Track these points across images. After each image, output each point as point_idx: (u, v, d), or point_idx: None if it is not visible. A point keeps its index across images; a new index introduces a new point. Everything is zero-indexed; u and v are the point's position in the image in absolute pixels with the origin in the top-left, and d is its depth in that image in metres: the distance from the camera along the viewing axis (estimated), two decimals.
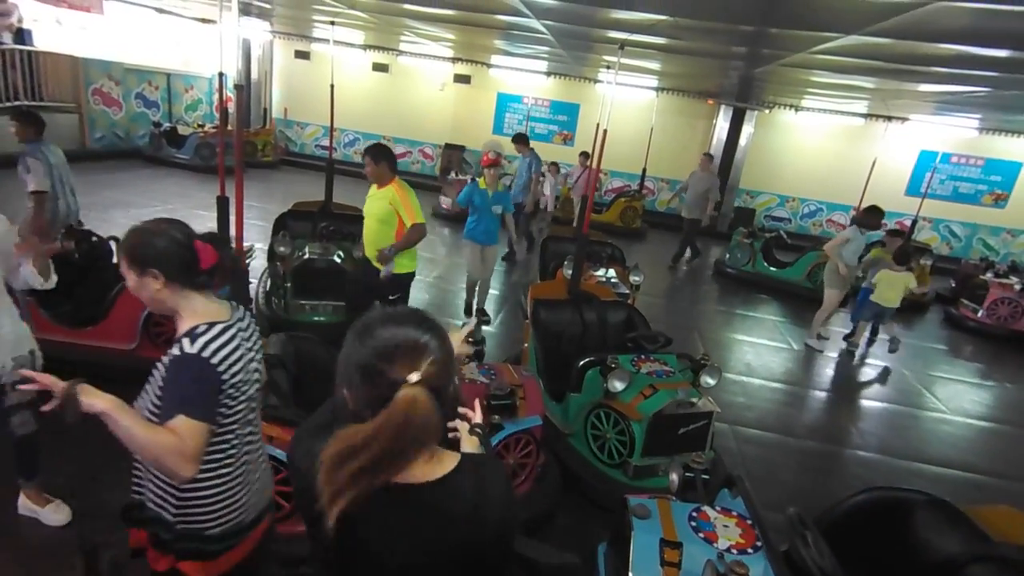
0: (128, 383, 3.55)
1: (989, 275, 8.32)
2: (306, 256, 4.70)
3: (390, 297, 3.88)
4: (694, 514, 2.01)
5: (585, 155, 9.77)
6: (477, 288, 5.68)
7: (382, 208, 3.83)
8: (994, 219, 12.74)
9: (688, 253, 9.60)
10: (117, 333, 3.67)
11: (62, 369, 2.61)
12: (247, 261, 4.00)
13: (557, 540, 2.93)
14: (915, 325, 8.13)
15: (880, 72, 6.10)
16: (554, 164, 9.35)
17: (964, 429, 5.08)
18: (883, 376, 6.07)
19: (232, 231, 3.52)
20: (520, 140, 8.00)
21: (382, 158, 3.84)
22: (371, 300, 3.90)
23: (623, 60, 5.03)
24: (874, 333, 6.75)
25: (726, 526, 1.96)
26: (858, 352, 6.54)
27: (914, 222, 10.49)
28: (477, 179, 5.41)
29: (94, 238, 4.09)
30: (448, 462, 1.05)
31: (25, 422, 2.44)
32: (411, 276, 4.11)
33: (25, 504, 2.60)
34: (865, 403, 5.40)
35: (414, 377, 0.94)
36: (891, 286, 5.88)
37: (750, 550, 1.86)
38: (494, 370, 3.16)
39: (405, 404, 0.91)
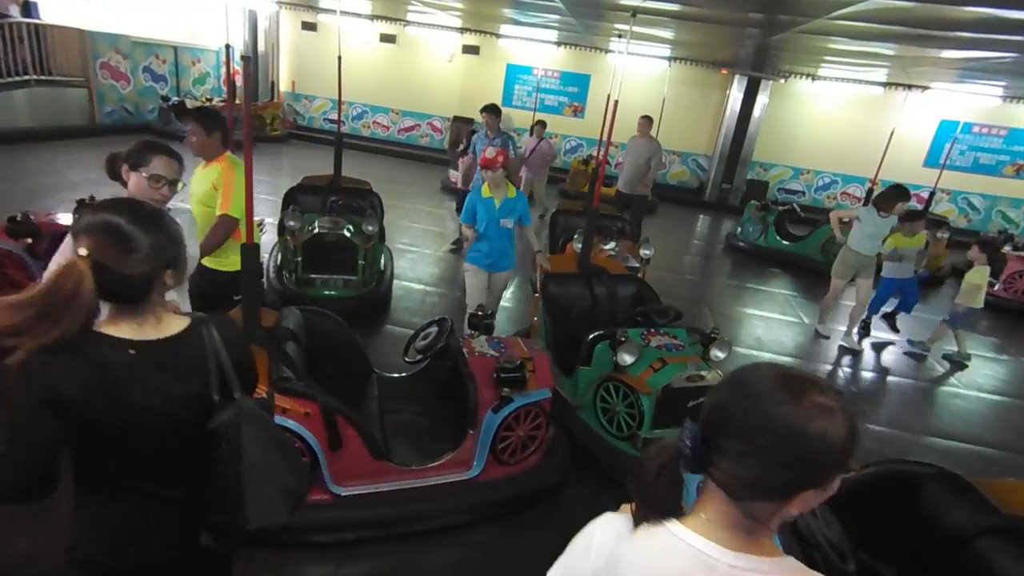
0: None
1: (1007, 248, 8.17)
2: (316, 231, 4.70)
3: (235, 298, 3.00)
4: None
5: (542, 124, 8.72)
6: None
7: (205, 189, 3.04)
8: (1015, 191, 12.45)
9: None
10: None
11: None
12: (262, 233, 4.02)
13: (566, 511, 2.98)
14: (930, 299, 8.03)
15: (901, 38, 5.90)
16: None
17: (976, 403, 5.05)
18: (895, 350, 6.03)
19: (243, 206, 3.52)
20: (491, 111, 6.23)
21: (216, 127, 3.05)
22: (208, 305, 3.04)
23: (635, 28, 4.91)
24: (866, 327, 6.08)
25: None
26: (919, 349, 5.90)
27: (932, 194, 10.27)
28: (479, 185, 4.12)
29: None
30: (176, 324, 1.24)
31: None
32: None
33: None
34: (877, 377, 5.37)
35: (82, 252, 1.10)
36: (975, 286, 5.43)
37: None
38: (504, 344, 3.17)
39: (59, 270, 1.07)
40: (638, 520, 0.89)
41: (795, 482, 0.82)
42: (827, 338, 5.97)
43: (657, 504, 0.91)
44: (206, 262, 3.07)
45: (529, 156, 8.34)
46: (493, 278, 4.17)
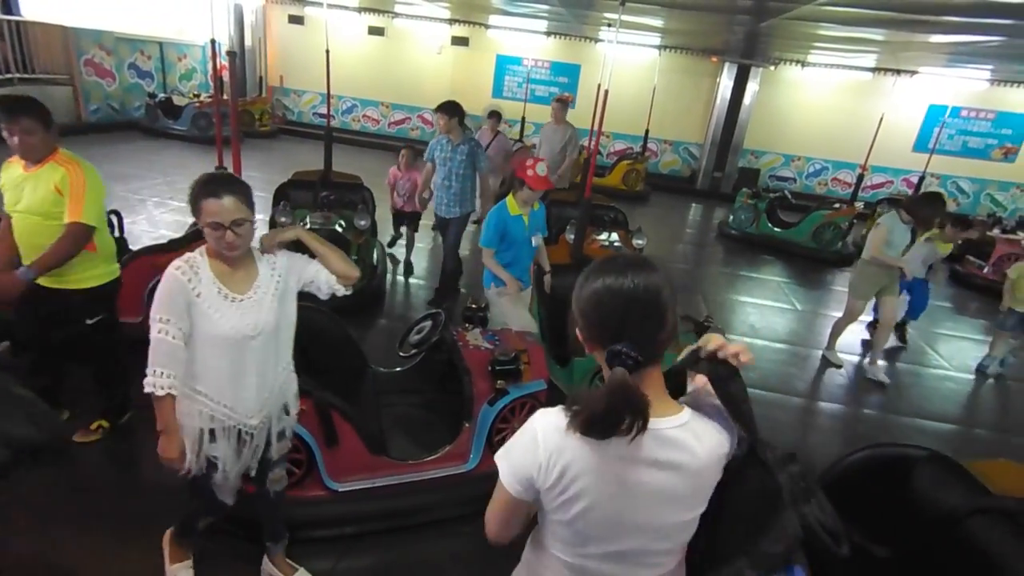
0: (133, 355, 3.60)
1: (996, 231, 8.23)
2: (307, 226, 4.68)
3: (87, 321, 2.75)
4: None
5: (496, 116, 7.11)
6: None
7: (43, 195, 2.52)
8: (1004, 174, 12.54)
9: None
10: (122, 306, 3.69)
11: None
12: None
13: None
14: None
15: (890, 23, 5.91)
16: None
17: (966, 385, 5.12)
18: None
19: None
20: (448, 111, 4.71)
21: (49, 120, 2.56)
22: (52, 332, 2.73)
23: (624, 17, 4.89)
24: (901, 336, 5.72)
25: None
26: (993, 367, 5.30)
27: (921, 178, 10.33)
28: (505, 201, 3.52)
29: None
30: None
31: (281, 477, 2.18)
32: (116, 285, 2.90)
33: (270, 572, 2.32)
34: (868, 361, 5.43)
35: None
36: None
37: None
38: (499, 336, 3.18)
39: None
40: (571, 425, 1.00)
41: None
42: (839, 367, 5.08)
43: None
44: (46, 281, 2.55)
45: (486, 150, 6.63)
46: (522, 296, 3.71)
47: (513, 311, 3.56)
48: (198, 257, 1.81)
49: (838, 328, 5.09)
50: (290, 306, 1.97)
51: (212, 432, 1.90)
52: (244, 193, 1.78)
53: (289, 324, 1.99)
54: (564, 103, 6.81)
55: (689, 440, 1.07)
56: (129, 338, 3.67)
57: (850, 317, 4.93)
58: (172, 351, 1.75)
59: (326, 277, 2.01)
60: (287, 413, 2.08)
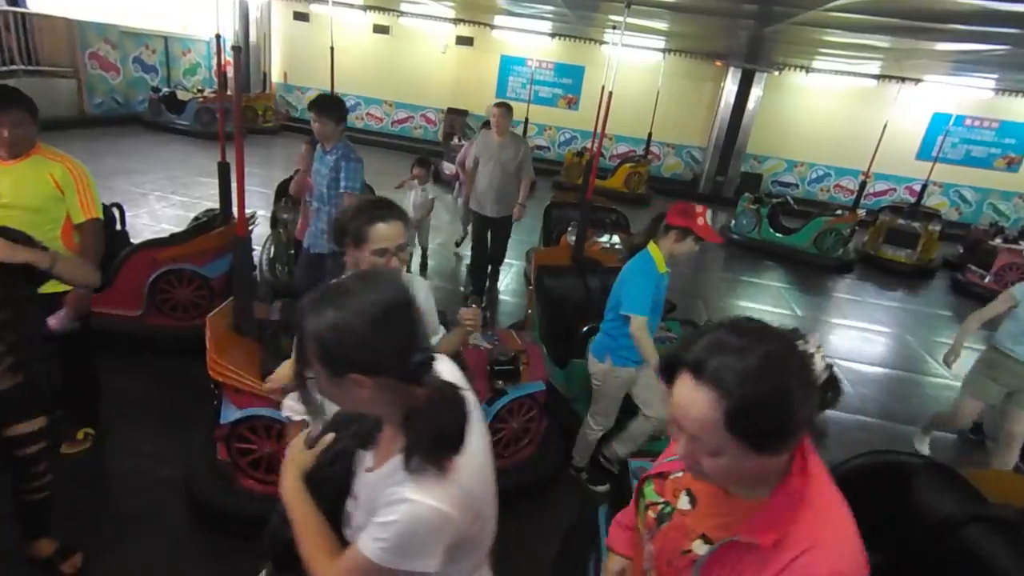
0: (134, 350, 3.59)
1: (998, 240, 8.23)
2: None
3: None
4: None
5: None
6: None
7: (37, 191, 2.39)
8: (1007, 183, 12.54)
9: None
10: (123, 300, 3.69)
11: (67, 336, 2.63)
12: (250, 228, 3.99)
13: (559, 502, 2.99)
14: (921, 291, 8.10)
15: (896, 30, 5.91)
16: (421, 162, 5.68)
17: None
18: (886, 342, 6.08)
19: (233, 197, 3.49)
20: (321, 109, 3.59)
21: (36, 112, 2.43)
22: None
23: (630, 19, 4.88)
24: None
25: None
26: None
27: (924, 187, 10.33)
28: (650, 253, 2.76)
29: None
30: None
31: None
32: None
33: None
34: (867, 369, 5.41)
35: None
36: None
37: None
38: (498, 336, 3.17)
39: None
40: None
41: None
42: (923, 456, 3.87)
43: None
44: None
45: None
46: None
47: (655, 391, 2.90)
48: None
49: (938, 423, 3.92)
50: None
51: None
52: (405, 218, 1.74)
53: None
54: (508, 109, 5.14)
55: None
56: (126, 332, 3.69)
57: (958, 419, 3.70)
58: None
59: None
60: None
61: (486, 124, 5.40)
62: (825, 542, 0.87)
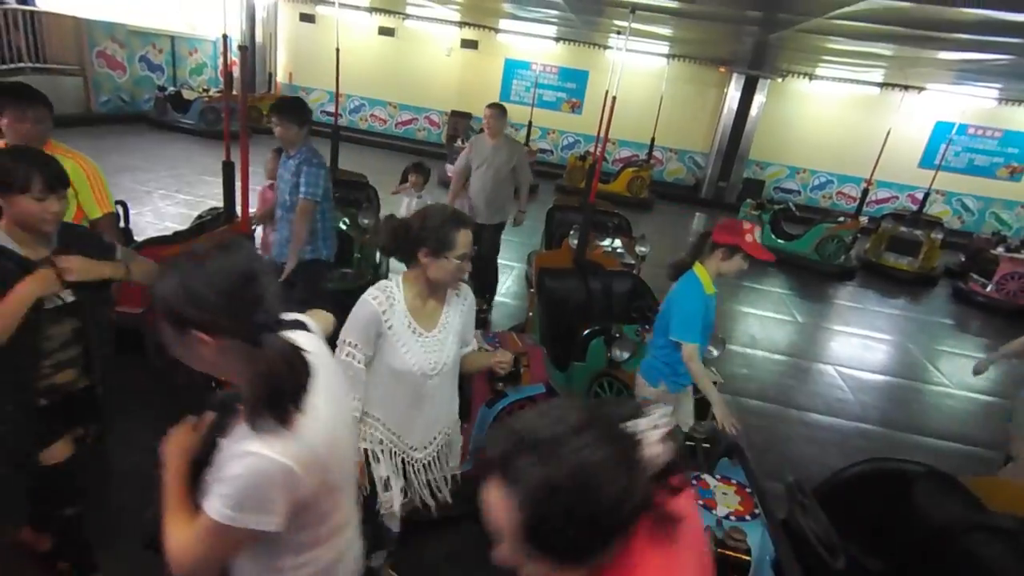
0: (136, 347, 3.60)
1: (1000, 249, 8.23)
2: None
3: None
4: (694, 481, 2.05)
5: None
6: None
7: None
8: (1009, 193, 12.53)
9: None
10: (125, 297, 3.70)
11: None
12: (253, 228, 4.00)
13: None
14: (922, 299, 8.09)
15: (900, 38, 5.92)
16: (417, 168, 5.08)
17: (967, 403, 5.10)
18: (887, 350, 6.07)
19: (238, 196, 3.51)
20: (283, 111, 3.41)
21: (52, 108, 2.46)
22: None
23: (634, 25, 4.90)
24: None
25: (725, 493, 2.00)
26: None
27: (926, 195, 10.33)
28: (695, 274, 2.62)
29: None
30: None
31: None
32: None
33: None
34: (868, 376, 5.41)
35: None
36: None
37: (748, 517, 1.89)
38: (499, 338, 3.18)
39: None
40: None
41: None
42: None
43: None
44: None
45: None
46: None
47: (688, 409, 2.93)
48: (395, 287, 1.78)
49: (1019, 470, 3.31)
50: (458, 348, 1.93)
51: (376, 454, 1.91)
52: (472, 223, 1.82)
53: (456, 363, 1.95)
54: (502, 111, 4.76)
55: None
56: (128, 329, 3.70)
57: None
58: (358, 375, 1.76)
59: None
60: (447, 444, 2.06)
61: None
62: None
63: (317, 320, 1.26)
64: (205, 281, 0.98)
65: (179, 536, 1.03)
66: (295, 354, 1.00)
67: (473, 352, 2.04)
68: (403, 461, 1.94)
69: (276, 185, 3.49)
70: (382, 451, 1.90)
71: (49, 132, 2.47)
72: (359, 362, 1.75)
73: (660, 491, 0.79)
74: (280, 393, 0.97)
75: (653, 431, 0.79)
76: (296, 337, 1.06)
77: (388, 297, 1.75)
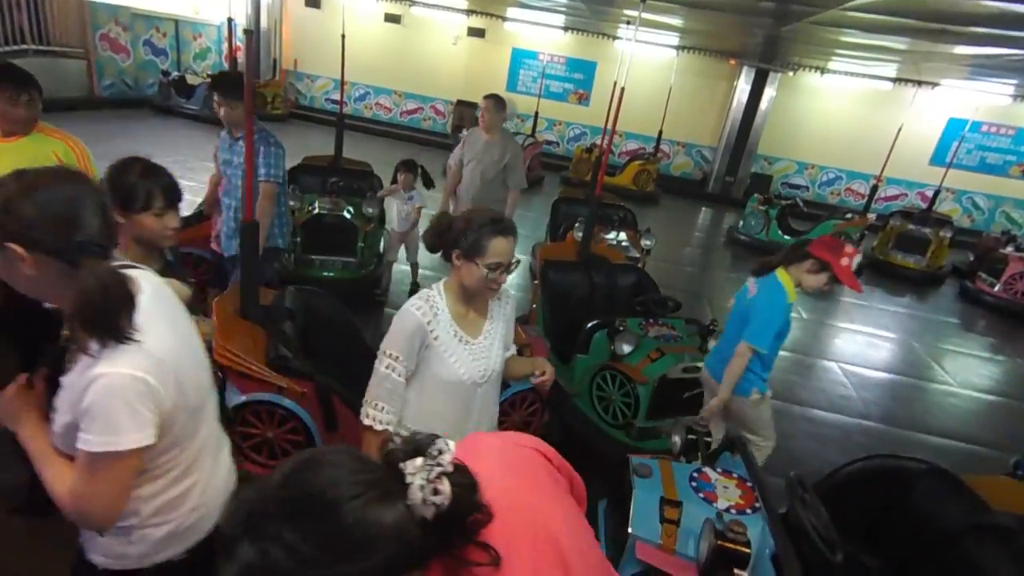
0: None
1: (1010, 249, 8.15)
2: (316, 211, 4.68)
3: None
4: (695, 475, 2.04)
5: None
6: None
7: (38, 165, 2.26)
8: (1021, 191, 12.42)
9: None
10: None
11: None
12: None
13: None
14: (929, 297, 8.04)
15: (914, 31, 5.83)
16: (406, 166, 4.74)
17: (970, 402, 5.07)
18: (892, 348, 6.04)
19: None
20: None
21: (41, 90, 2.45)
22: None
23: (644, 15, 4.83)
24: None
25: (726, 487, 1.99)
26: None
27: (936, 193, 10.23)
28: (779, 279, 2.63)
29: None
30: None
31: None
32: None
33: None
34: (871, 373, 5.38)
35: None
36: None
37: (749, 511, 1.89)
38: None
39: None
40: None
41: None
42: None
43: None
44: None
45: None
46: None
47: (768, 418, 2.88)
48: (437, 296, 1.71)
49: None
50: (503, 352, 1.86)
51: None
52: (516, 233, 1.71)
53: (501, 368, 1.87)
54: (500, 102, 4.33)
55: None
56: None
57: None
58: (396, 388, 1.69)
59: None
60: None
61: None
62: None
63: (171, 287, 1.28)
64: (28, 197, 0.98)
65: (66, 485, 1.04)
66: (115, 278, 1.01)
67: (512, 356, 1.95)
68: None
69: (223, 172, 3.18)
70: None
71: (37, 114, 2.45)
72: (399, 375, 1.67)
73: (454, 536, 0.73)
74: (107, 312, 0.98)
75: (424, 472, 0.70)
76: (126, 271, 1.08)
77: (431, 306, 1.68)
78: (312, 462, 0.69)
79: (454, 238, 1.65)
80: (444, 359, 1.68)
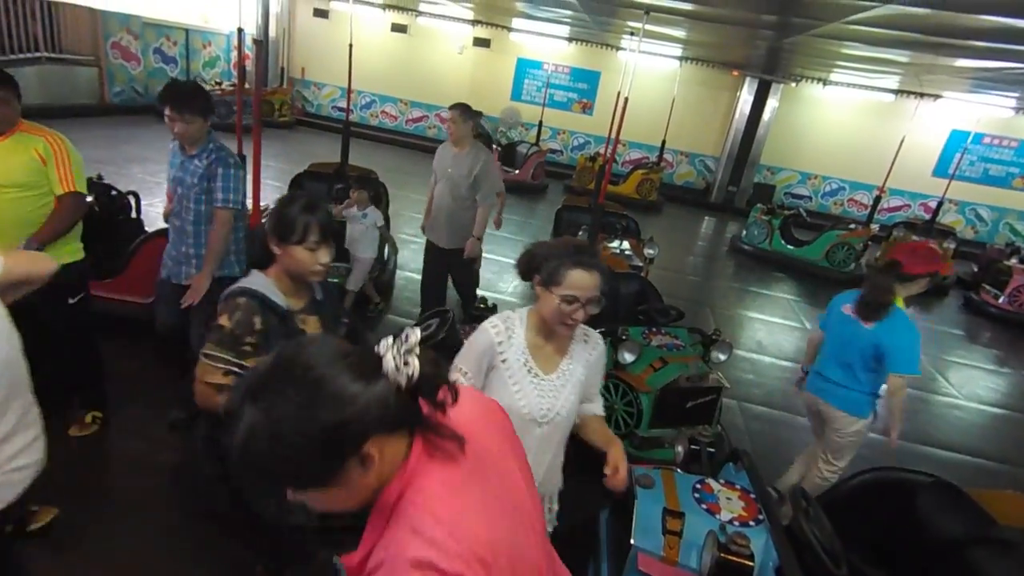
0: (144, 336, 3.62)
1: (1014, 260, 8.13)
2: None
3: (70, 300, 2.60)
4: (698, 486, 2.04)
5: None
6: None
7: (23, 166, 2.39)
8: None
9: None
10: (136, 287, 3.72)
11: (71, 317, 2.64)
12: (264, 221, 4.00)
13: (561, 506, 2.98)
14: (933, 309, 8.01)
15: (916, 45, 5.86)
16: (360, 183, 4.52)
17: (975, 415, 5.04)
18: None
19: (249, 190, 3.52)
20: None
21: (19, 89, 2.43)
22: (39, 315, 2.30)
23: (648, 27, 4.88)
24: None
25: (729, 499, 1.98)
26: None
27: (939, 204, 10.23)
28: (900, 308, 2.73)
29: (113, 192, 4.13)
30: None
31: None
32: (87, 264, 2.70)
33: None
34: None
35: None
36: None
37: (752, 523, 1.88)
38: None
39: None
40: None
41: None
42: None
43: None
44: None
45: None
46: None
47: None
48: (517, 320, 1.67)
49: None
50: (576, 399, 1.70)
51: None
52: (604, 269, 1.60)
53: (571, 416, 1.70)
54: (467, 112, 3.94)
55: None
56: (137, 318, 3.73)
57: None
58: None
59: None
60: (549, 511, 1.81)
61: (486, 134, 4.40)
62: (387, 559, 0.78)
63: (35, 260, 1.41)
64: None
65: None
66: None
67: (594, 417, 1.77)
68: None
69: (173, 191, 2.84)
70: None
71: (15, 113, 2.42)
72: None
73: (428, 405, 0.85)
74: None
75: (394, 349, 0.81)
76: None
77: (508, 328, 1.64)
78: (297, 344, 0.82)
79: (537, 264, 1.59)
80: (507, 386, 1.62)
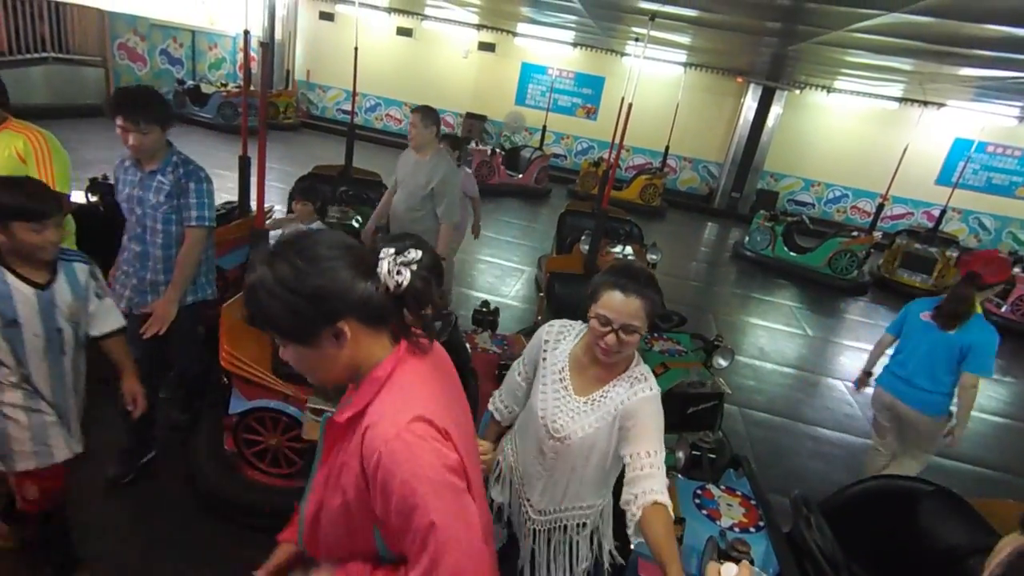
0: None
1: (1017, 269, 8.12)
2: (325, 220, 4.71)
3: None
4: (699, 491, 2.04)
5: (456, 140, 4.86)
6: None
7: (6, 163, 2.34)
8: None
9: None
10: None
11: None
12: (267, 223, 4.02)
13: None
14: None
15: (920, 53, 5.87)
16: (303, 194, 3.58)
17: (977, 424, 5.02)
18: None
19: (253, 192, 3.54)
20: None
21: (4, 88, 2.42)
22: None
23: (653, 33, 4.90)
24: None
25: (730, 505, 1.98)
26: None
27: (942, 212, 10.22)
28: (981, 315, 2.95)
29: None
30: None
31: None
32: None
33: None
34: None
35: None
36: None
37: (752, 529, 1.88)
38: (507, 341, 3.18)
39: None
40: None
41: None
42: None
43: None
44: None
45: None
46: None
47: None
48: (572, 332, 1.68)
49: None
50: (599, 436, 1.57)
51: (497, 477, 1.81)
52: (653, 299, 1.49)
53: (588, 446, 1.58)
54: (430, 117, 3.58)
55: None
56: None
57: None
58: (513, 386, 1.79)
59: None
60: (578, 533, 1.73)
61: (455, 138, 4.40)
62: (388, 413, 0.92)
63: None
64: None
65: None
66: None
67: (655, 510, 1.39)
68: (520, 509, 1.76)
69: (128, 212, 2.53)
70: (498, 478, 1.80)
71: (3, 112, 2.42)
72: (519, 376, 1.76)
73: (411, 314, 1.00)
74: None
75: (396, 257, 0.94)
76: None
77: (560, 335, 1.68)
78: (313, 232, 0.99)
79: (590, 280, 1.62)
80: (538, 384, 1.67)
